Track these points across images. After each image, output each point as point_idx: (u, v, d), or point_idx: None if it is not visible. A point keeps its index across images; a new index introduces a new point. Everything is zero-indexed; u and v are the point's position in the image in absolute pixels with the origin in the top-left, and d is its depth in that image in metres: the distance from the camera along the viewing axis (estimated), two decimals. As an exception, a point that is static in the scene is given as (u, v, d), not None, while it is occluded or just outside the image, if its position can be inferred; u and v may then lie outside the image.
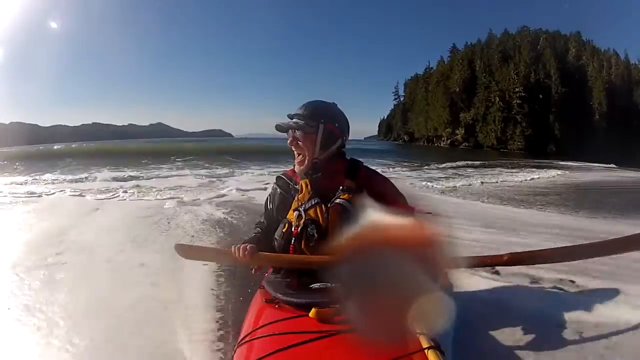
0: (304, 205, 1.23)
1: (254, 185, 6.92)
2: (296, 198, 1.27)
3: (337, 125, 1.32)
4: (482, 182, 8.41)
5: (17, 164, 12.46)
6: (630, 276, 2.14)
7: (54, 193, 6.03)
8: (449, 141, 49.26)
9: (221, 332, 1.70)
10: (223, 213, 4.40)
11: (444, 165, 14.30)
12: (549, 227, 3.77)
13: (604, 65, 46.87)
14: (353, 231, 0.77)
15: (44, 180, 8.04)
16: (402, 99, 63.01)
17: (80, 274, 2.47)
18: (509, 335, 1.56)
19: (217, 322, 1.79)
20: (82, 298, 2.08)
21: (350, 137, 1.39)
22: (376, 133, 77.90)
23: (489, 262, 1.31)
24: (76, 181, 7.84)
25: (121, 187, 6.54)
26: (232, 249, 1.22)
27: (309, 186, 1.26)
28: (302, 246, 1.19)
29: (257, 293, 1.28)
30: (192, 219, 4.09)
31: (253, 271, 1.34)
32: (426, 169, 13.01)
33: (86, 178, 8.39)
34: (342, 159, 1.36)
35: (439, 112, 50.69)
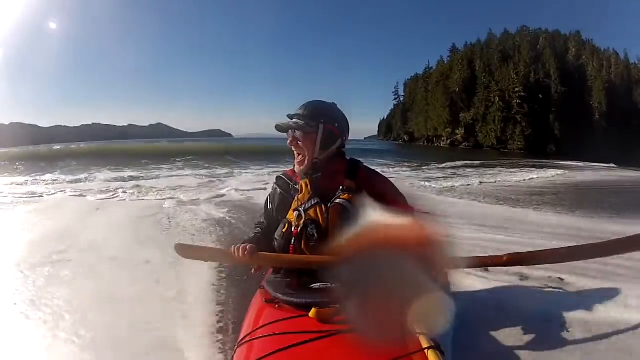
0: (304, 205, 1.23)
1: (253, 185, 6.96)
2: (296, 198, 1.27)
3: (337, 125, 1.32)
4: (480, 182, 8.42)
5: (17, 164, 12.46)
6: (630, 276, 2.15)
7: (55, 193, 6.06)
8: (449, 141, 49.26)
9: (221, 332, 1.70)
10: (223, 213, 4.42)
11: (443, 165, 14.31)
12: (543, 227, 3.80)
13: (603, 64, 46.87)
14: (353, 231, 0.77)
15: (45, 180, 8.06)
16: (402, 99, 63.05)
17: (85, 270, 2.53)
18: (509, 336, 1.57)
19: (217, 322, 1.79)
20: (87, 293, 2.14)
21: (350, 137, 1.39)
22: (376, 133, 77.89)
23: (488, 263, 1.31)
24: (77, 181, 7.86)
25: (122, 188, 6.58)
26: (232, 249, 1.22)
27: (309, 186, 1.26)
28: (302, 246, 1.19)
29: (257, 293, 1.28)
30: (192, 218, 4.13)
31: (253, 271, 1.34)
32: (425, 169, 13.01)
33: (86, 178, 8.41)
34: (342, 159, 1.36)
35: (438, 112, 50.69)
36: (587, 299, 1.88)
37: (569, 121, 43.01)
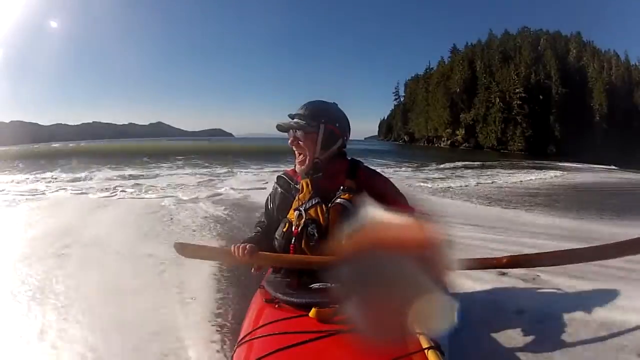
0: (304, 205, 1.23)
1: (253, 185, 7.01)
2: (297, 198, 1.27)
3: (337, 125, 1.32)
4: (477, 183, 8.42)
5: (18, 163, 12.46)
6: (629, 277, 2.15)
7: (56, 191, 6.10)
8: (449, 142, 49.24)
9: (221, 331, 1.70)
10: (222, 211, 4.45)
11: (442, 165, 14.31)
12: (534, 227, 3.82)
13: (604, 66, 46.83)
14: (353, 231, 0.77)
15: (46, 178, 8.08)
16: (402, 99, 63.02)
17: (89, 263, 2.61)
18: (509, 336, 1.57)
19: (217, 321, 1.79)
20: (93, 284, 2.22)
21: (350, 137, 1.40)
22: (376, 133, 77.91)
23: (488, 265, 1.32)
24: (77, 180, 7.88)
25: (122, 185, 6.64)
26: (232, 248, 1.22)
27: (309, 186, 1.27)
28: (303, 246, 1.19)
29: (257, 293, 1.28)
30: (192, 216, 4.17)
31: (253, 271, 1.34)
32: (425, 169, 13.01)
33: (87, 177, 8.42)
34: (342, 159, 1.36)
35: (439, 113, 50.66)
36: (587, 300, 1.88)
37: (570, 122, 42.97)
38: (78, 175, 8.52)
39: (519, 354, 1.45)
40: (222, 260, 2.18)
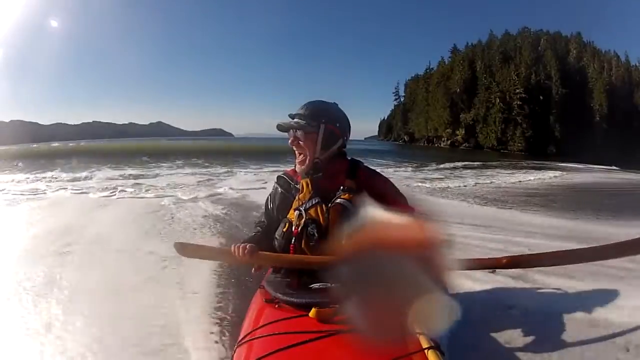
0: (304, 205, 1.23)
1: (253, 184, 7.02)
2: (297, 197, 1.27)
3: (338, 125, 1.32)
4: (476, 184, 8.40)
5: (18, 162, 12.45)
6: (629, 277, 2.15)
7: (57, 191, 6.11)
8: (449, 142, 49.23)
9: (221, 331, 1.70)
10: (222, 211, 4.47)
11: (442, 165, 14.28)
12: (529, 227, 3.83)
13: (604, 66, 46.83)
14: (353, 231, 0.77)
15: (46, 178, 8.07)
16: (402, 99, 62.98)
17: (92, 260, 2.66)
18: (509, 336, 1.57)
19: (216, 321, 1.79)
20: (95, 280, 2.29)
21: (350, 137, 1.40)
22: (376, 133, 77.91)
23: (488, 265, 1.32)
24: (77, 179, 7.87)
25: (122, 185, 6.64)
26: (232, 248, 1.22)
27: (309, 186, 1.26)
28: (303, 246, 1.19)
29: (257, 293, 1.27)
30: (192, 215, 4.20)
31: (253, 271, 1.34)
32: (424, 169, 13.00)
33: (87, 177, 8.41)
34: (343, 159, 1.36)
35: (439, 113, 50.65)
36: (586, 300, 1.89)
37: (570, 123, 42.97)
38: (78, 175, 8.51)
39: (519, 354, 1.45)
40: (222, 260, 2.18)
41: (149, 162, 12.61)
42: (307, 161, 1.29)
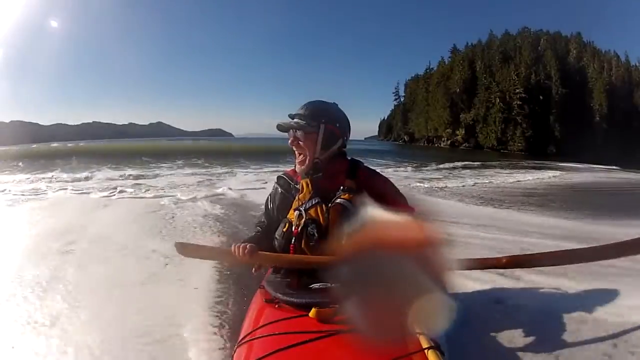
0: (304, 205, 1.23)
1: (252, 184, 7.04)
2: (297, 198, 1.27)
3: (338, 125, 1.32)
4: (475, 183, 8.40)
5: (19, 163, 12.46)
6: (629, 276, 2.15)
7: (58, 191, 6.12)
8: (449, 142, 49.22)
9: (221, 332, 1.70)
10: (222, 210, 4.49)
11: (441, 165, 14.28)
12: (526, 226, 3.84)
13: (604, 66, 46.84)
14: (353, 231, 0.77)
15: (46, 178, 8.08)
16: (402, 99, 62.99)
17: (95, 258, 2.71)
18: (509, 336, 1.57)
19: (216, 321, 1.80)
20: (100, 275, 2.36)
21: (350, 137, 1.40)
22: (376, 133, 77.92)
23: (488, 265, 1.32)
24: (78, 180, 7.88)
25: (122, 185, 6.65)
26: (232, 247, 1.22)
27: (309, 186, 1.27)
28: (303, 246, 1.19)
29: (257, 293, 1.28)
30: (192, 214, 4.23)
31: (253, 270, 1.34)
32: (424, 169, 13.00)
33: (87, 177, 8.41)
34: (342, 159, 1.36)
35: (439, 113, 50.65)
36: (586, 299, 1.89)
37: (570, 123, 42.97)
38: (78, 175, 8.51)
39: (519, 354, 1.45)
40: (223, 260, 2.18)
41: (149, 162, 12.61)
42: (307, 161, 1.29)
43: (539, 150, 39.89)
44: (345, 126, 1.36)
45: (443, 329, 0.69)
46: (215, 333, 1.68)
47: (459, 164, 15.17)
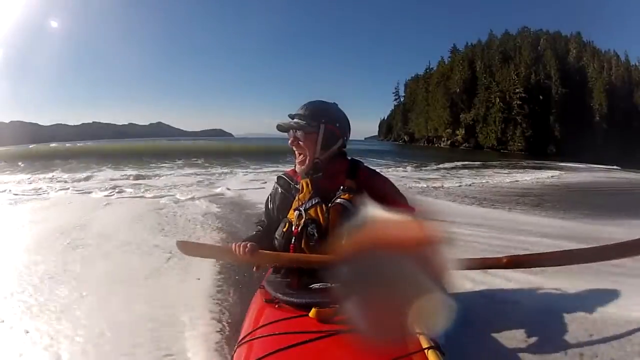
0: (304, 205, 1.23)
1: (252, 184, 7.05)
2: (297, 198, 1.27)
3: (338, 125, 1.32)
4: (472, 183, 8.40)
5: (19, 163, 12.47)
6: (630, 275, 2.15)
7: (59, 191, 6.14)
8: (449, 142, 49.24)
9: (221, 332, 1.70)
10: (222, 210, 4.54)
11: (441, 165, 14.29)
12: (522, 225, 3.86)
13: (604, 66, 46.85)
14: (354, 231, 0.77)
15: (48, 178, 8.10)
16: (402, 99, 63.05)
17: (101, 252, 2.82)
18: (509, 336, 1.57)
19: (216, 322, 1.81)
20: (106, 269, 2.47)
21: (350, 137, 1.40)
22: (376, 133, 77.97)
23: (488, 265, 1.31)
24: (78, 180, 7.89)
25: (123, 185, 6.68)
26: (233, 246, 1.22)
27: (309, 186, 1.26)
28: (302, 245, 1.19)
29: (257, 293, 1.28)
30: (193, 214, 4.29)
31: (255, 269, 1.34)
32: (423, 169, 13.00)
33: (87, 177, 8.43)
34: (343, 159, 1.36)
35: (439, 113, 50.67)
36: (586, 299, 1.89)
37: (570, 122, 42.99)
38: (79, 176, 8.54)
39: (519, 354, 1.45)
40: (223, 259, 2.19)
41: (149, 162, 12.63)
42: (307, 161, 1.29)
43: (539, 150, 39.91)
44: (346, 126, 1.36)
45: (443, 329, 0.69)
46: (214, 333, 1.69)
47: (459, 164, 15.18)
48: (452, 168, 13.57)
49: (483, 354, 1.48)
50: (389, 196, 1.25)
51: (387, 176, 1.41)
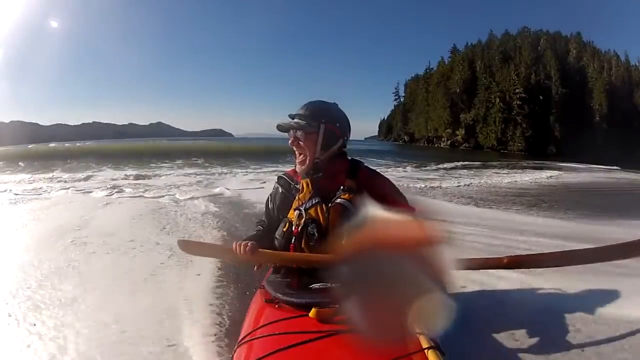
0: (304, 205, 1.23)
1: (252, 184, 7.06)
2: (297, 197, 1.27)
3: (338, 125, 1.32)
4: (470, 183, 8.39)
5: (20, 163, 12.47)
6: (630, 275, 2.14)
7: (59, 190, 6.15)
8: (449, 142, 49.23)
9: (221, 332, 1.70)
10: (221, 210, 4.56)
11: (440, 166, 14.29)
12: (518, 225, 3.87)
13: (604, 66, 46.85)
14: (354, 231, 0.77)
15: (48, 178, 8.10)
16: (402, 99, 63.03)
17: (105, 249, 2.88)
18: (509, 336, 1.57)
19: (216, 322, 1.81)
20: (110, 265, 2.56)
21: (350, 137, 1.40)
22: (376, 133, 77.97)
23: (489, 265, 1.31)
24: (78, 180, 7.90)
25: (123, 185, 6.70)
26: (234, 245, 1.22)
27: (309, 186, 1.27)
28: (303, 245, 1.19)
29: (257, 293, 1.28)
30: (193, 213, 4.33)
31: (255, 268, 1.34)
32: (423, 169, 13.00)
33: (88, 177, 8.43)
34: (343, 159, 1.36)
35: (439, 113, 50.66)
36: (587, 299, 1.89)
37: (570, 123, 42.98)
38: (79, 175, 8.55)
39: (519, 354, 1.45)
40: (224, 258, 2.19)
41: (149, 162, 12.63)
42: (307, 161, 1.29)
43: (539, 150, 39.89)
44: (346, 126, 1.36)
45: (443, 329, 0.69)
46: (214, 334, 1.69)
47: (459, 164, 15.18)
48: (452, 168, 13.57)
49: (483, 354, 1.48)
50: (389, 196, 1.25)
51: (387, 176, 1.42)
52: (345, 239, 0.78)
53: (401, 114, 61.56)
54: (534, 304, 1.89)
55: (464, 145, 47.26)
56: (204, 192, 6.03)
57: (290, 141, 1.32)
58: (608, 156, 25.24)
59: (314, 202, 1.22)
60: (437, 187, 7.55)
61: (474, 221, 3.95)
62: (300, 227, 1.19)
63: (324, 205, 1.21)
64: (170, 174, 9.07)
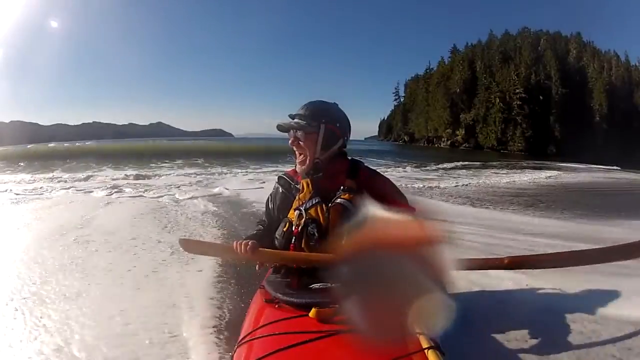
0: (304, 205, 1.23)
1: (252, 184, 7.08)
2: (297, 197, 1.27)
3: (338, 125, 1.32)
4: (468, 183, 8.39)
5: (20, 163, 12.47)
6: (630, 275, 2.14)
7: (60, 190, 6.18)
8: (449, 142, 49.22)
9: (221, 332, 1.70)
10: (221, 209, 4.60)
11: (440, 166, 14.30)
12: (523, 226, 3.87)
13: (604, 66, 46.84)
14: (354, 231, 0.77)
15: (48, 178, 8.12)
16: (402, 99, 62.99)
17: (107, 247, 2.95)
18: (509, 335, 1.57)
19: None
20: (113, 261, 2.61)
21: (350, 137, 1.40)
22: (376, 133, 77.95)
23: (489, 266, 1.31)
24: (79, 180, 7.91)
25: (123, 185, 6.74)
26: (234, 244, 1.22)
27: (310, 186, 1.27)
28: (303, 245, 1.19)
29: (257, 293, 1.28)
30: (193, 212, 4.39)
31: (257, 268, 1.34)
32: (423, 169, 13.02)
33: (88, 177, 8.44)
34: (343, 159, 1.36)
35: (439, 113, 50.65)
36: (587, 299, 1.89)
37: (570, 123, 42.97)
38: (79, 175, 8.57)
39: (519, 354, 1.45)
40: (225, 257, 2.21)
41: (149, 162, 12.64)
42: (307, 161, 1.29)
43: (539, 150, 39.88)
44: (346, 126, 1.36)
45: (443, 329, 0.69)
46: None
47: (459, 164, 15.20)
48: (451, 168, 13.59)
49: (483, 354, 1.48)
50: (389, 196, 1.25)
51: (387, 176, 1.42)
52: (345, 239, 0.78)
53: (401, 114, 61.54)
54: (534, 304, 1.89)
55: (464, 145, 47.25)
56: (204, 192, 6.08)
57: (290, 141, 1.32)
58: (608, 156, 25.24)
59: (314, 202, 1.22)
60: (435, 187, 7.57)
61: (469, 221, 3.96)
62: (300, 227, 1.19)
63: (324, 205, 1.21)
64: (170, 174, 9.09)
